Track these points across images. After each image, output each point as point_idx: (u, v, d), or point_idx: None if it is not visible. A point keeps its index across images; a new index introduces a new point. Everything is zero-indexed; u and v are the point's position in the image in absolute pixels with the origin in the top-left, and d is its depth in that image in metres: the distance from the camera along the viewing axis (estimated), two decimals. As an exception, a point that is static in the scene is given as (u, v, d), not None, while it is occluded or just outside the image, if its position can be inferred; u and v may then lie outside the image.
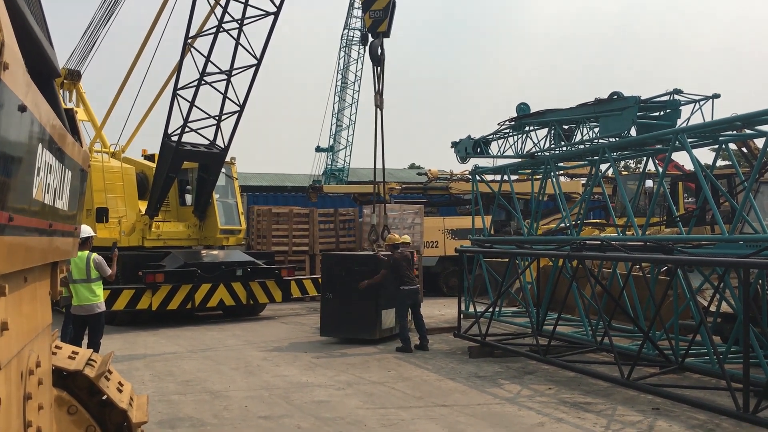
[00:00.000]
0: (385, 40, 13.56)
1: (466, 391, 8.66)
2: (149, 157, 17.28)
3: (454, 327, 12.54)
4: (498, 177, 16.00)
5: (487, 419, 7.33)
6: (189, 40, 14.09)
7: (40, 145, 2.04)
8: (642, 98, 10.40)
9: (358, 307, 12.05)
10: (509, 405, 7.93)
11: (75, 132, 3.04)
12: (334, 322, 12.34)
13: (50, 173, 2.26)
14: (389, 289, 11.92)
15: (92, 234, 9.96)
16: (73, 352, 3.55)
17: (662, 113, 10.74)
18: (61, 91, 17.23)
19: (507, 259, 12.75)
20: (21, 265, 2.04)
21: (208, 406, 7.92)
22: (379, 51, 13.40)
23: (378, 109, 13.52)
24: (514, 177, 14.90)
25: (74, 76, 17.37)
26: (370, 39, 13.66)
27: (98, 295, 9.71)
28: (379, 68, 13.46)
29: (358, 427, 7.03)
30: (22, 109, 1.75)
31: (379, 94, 13.45)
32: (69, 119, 2.99)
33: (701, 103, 10.18)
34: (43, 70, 2.57)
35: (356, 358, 10.92)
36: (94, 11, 17.50)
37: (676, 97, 10.50)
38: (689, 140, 9.16)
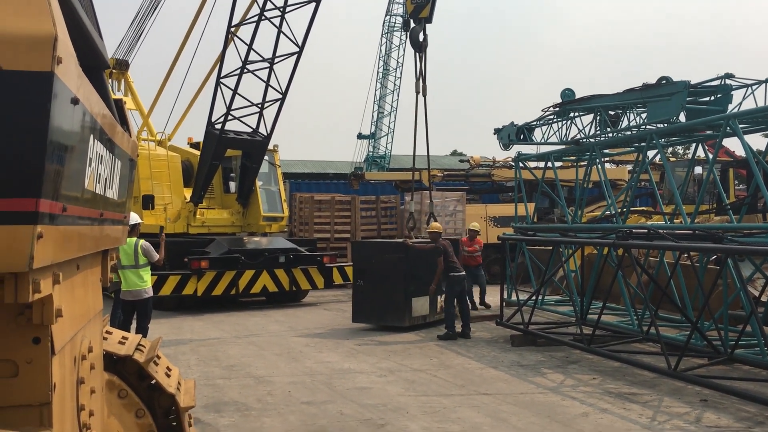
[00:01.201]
0: (427, 25, 13.47)
1: (509, 379, 8.62)
2: (195, 145, 17.54)
3: (496, 315, 12.47)
4: (541, 164, 15.81)
5: (530, 408, 7.29)
6: (232, 29, 14.22)
7: (91, 137, 2.08)
8: (692, 83, 10.14)
9: (389, 294, 12.10)
10: (552, 394, 7.86)
11: (124, 122, 3.09)
12: (365, 309, 12.42)
13: (101, 163, 2.30)
14: (421, 276, 11.93)
15: (140, 221, 10.15)
16: (123, 338, 3.63)
17: (713, 98, 10.46)
18: (110, 80, 17.59)
19: (550, 247, 12.61)
20: (75, 254, 2.08)
21: (252, 391, 8.04)
22: (422, 37, 13.31)
23: (420, 96, 13.45)
24: (558, 164, 14.69)
25: (122, 65, 17.70)
26: (412, 24, 13.58)
27: (146, 280, 9.91)
28: (420, 54, 13.38)
29: (400, 414, 7.07)
30: (75, 101, 1.78)
31: (422, 80, 13.37)
32: (118, 109, 3.04)
33: (754, 87, 9.91)
34: (93, 62, 2.61)
35: (397, 345, 10.96)
36: (141, 1, 17.73)
37: (728, 81, 10.23)
38: (741, 126, 8.90)
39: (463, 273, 11.98)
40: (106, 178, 2.44)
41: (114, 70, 17.32)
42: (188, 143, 18.06)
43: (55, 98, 1.58)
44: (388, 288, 12.06)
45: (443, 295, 12.00)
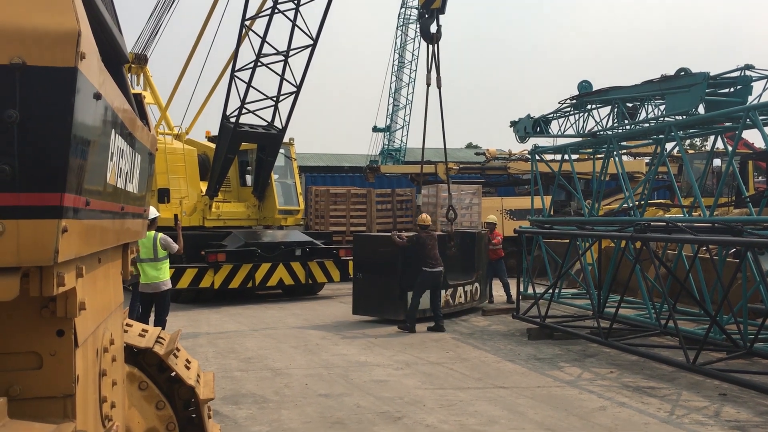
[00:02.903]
0: (441, 16, 13.39)
1: (526, 373, 8.60)
2: (213, 139, 17.60)
3: (512, 308, 12.45)
4: (558, 156, 15.72)
5: (547, 402, 7.27)
6: (246, 22, 14.24)
7: (113, 131, 2.09)
8: (711, 74, 10.03)
9: (385, 288, 12.15)
10: (570, 388, 7.84)
11: (143, 116, 3.11)
12: (363, 302, 12.45)
13: (122, 158, 2.32)
14: (416, 270, 11.98)
15: (158, 215, 10.24)
16: (143, 330, 3.67)
17: (732, 90, 10.34)
18: (129, 75, 17.69)
19: (567, 240, 12.55)
20: (97, 247, 2.10)
21: (270, 383, 8.09)
22: (434, 28, 13.25)
23: (431, 88, 13.36)
24: (574, 156, 14.60)
25: (141, 60, 17.79)
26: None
27: (165, 273, 10.00)
28: (433, 46, 13.31)
29: (417, 407, 7.08)
30: (98, 97, 1.79)
31: (435, 72, 13.31)
32: (137, 104, 3.06)
33: (774, 78, 9.76)
34: (113, 57, 2.63)
35: (414, 338, 10.97)
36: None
37: (748, 72, 10.10)
38: (761, 117, 8.80)
39: (439, 269, 11.79)
40: (126, 172, 2.46)
41: (133, 65, 17.42)
42: (206, 137, 18.14)
43: (78, 93, 1.59)
44: (384, 282, 12.13)
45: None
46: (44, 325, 1.87)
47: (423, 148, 14.05)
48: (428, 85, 13.43)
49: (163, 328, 8.39)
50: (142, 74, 17.96)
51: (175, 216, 11.75)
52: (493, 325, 12.01)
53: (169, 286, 10.18)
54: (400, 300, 12.04)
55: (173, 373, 3.62)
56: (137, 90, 16.31)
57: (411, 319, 11.51)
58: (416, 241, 11.82)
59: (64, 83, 1.56)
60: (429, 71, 13.36)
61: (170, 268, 10.63)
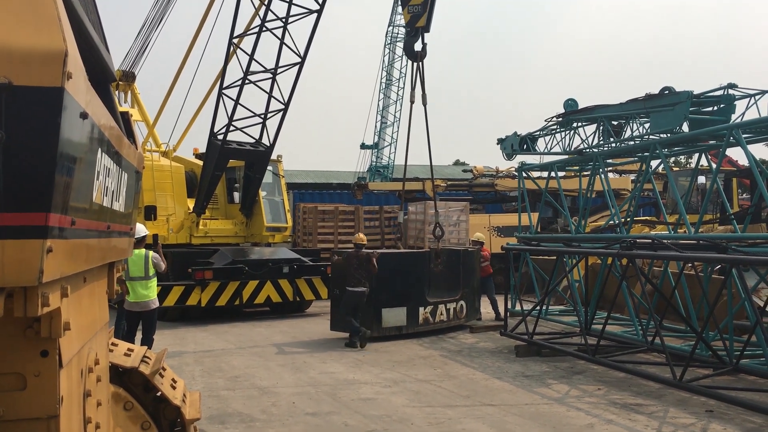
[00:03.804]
0: (428, 34, 13.52)
1: (514, 390, 8.59)
2: (201, 156, 17.57)
3: (500, 325, 12.44)
4: (545, 174, 15.82)
5: (535, 419, 7.26)
6: (234, 40, 14.28)
7: (99, 150, 2.09)
8: (695, 93, 10.15)
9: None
10: (558, 405, 7.83)
11: (130, 134, 3.11)
12: (341, 318, 12.38)
13: (108, 176, 2.32)
14: (394, 288, 12.09)
15: (146, 233, 10.20)
16: (129, 349, 3.64)
17: (716, 108, 10.47)
18: (117, 92, 17.68)
19: (554, 257, 12.59)
20: (82, 266, 2.09)
21: (257, 402, 8.02)
22: (419, 46, 13.39)
23: (413, 105, 13.54)
24: (561, 173, 14.70)
25: (129, 77, 17.77)
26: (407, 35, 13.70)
27: (153, 291, 9.98)
28: (417, 63, 13.44)
29: (405, 425, 7.04)
30: (84, 116, 1.79)
31: (420, 90, 13.43)
32: (124, 122, 3.06)
33: (757, 97, 9.91)
34: (100, 76, 2.64)
35: (402, 355, 10.93)
36: (147, 11, 17.82)
37: (731, 91, 10.24)
38: (744, 135, 8.90)
39: (361, 290, 11.87)
40: (113, 191, 2.45)
41: (121, 82, 17.39)
42: (194, 154, 18.10)
43: (64, 113, 1.59)
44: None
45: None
46: (28, 346, 1.85)
47: (405, 164, 14.15)
48: (412, 102, 13.57)
49: (150, 347, 8.34)
50: (129, 91, 17.93)
51: (155, 236, 11.72)
52: (481, 342, 12.00)
53: (157, 304, 10.14)
54: (374, 317, 12.05)
55: (159, 393, 3.59)
56: (125, 108, 16.28)
57: (354, 334, 11.65)
58: (345, 260, 11.94)
59: (51, 103, 1.56)
60: (413, 89, 13.50)
61: (157, 285, 10.58)
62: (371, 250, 12.71)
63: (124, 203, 2.77)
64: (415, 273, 12.83)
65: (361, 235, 12.85)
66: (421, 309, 12.57)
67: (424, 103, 13.47)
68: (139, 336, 9.92)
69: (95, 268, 2.55)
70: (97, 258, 2.38)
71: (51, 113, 1.56)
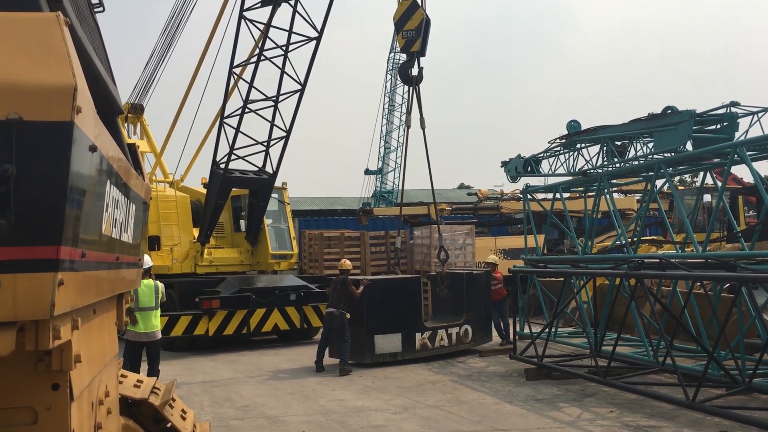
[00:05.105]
0: (422, 59, 13.68)
1: (525, 414, 8.51)
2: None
3: (509, 349, 12.36)
4: (549, 195, 15.81)
5: (547, 443, 7.18)
6: (235, 70, 14.42)
7: (108, 182, 2.11)
8: (698, 112, 10.18)
9: (352, 331, 12.10)
10: (570, 428, 7.75)
11: (137, 166, 3.14)
12: (337, 344, 12.32)
13: (117, 208, 2.33)
14: (388, 314, 12.13)
15: (152, 264, 10.26)
16: (138, 381, 3.63)
17: (719, 126, 10.49)
18: (126, 124, 17.85)
19: (562, 279, 12.53)
20: (93, 298, 2.10)
21: (266, 432, 7.97)
22: (415, 70, 13.54)
23: (409, 129, 13.67)
24: (566, 195, 14.69)
25: (137, 109, 17.95)
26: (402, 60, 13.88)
27: (159, 321, 10.04)
28: (413, 88, 13.60)
29: (416, 452, 6.97)
30: (93, 149, 1.81)
31: (418, 114, 13.55)
32: (131, 154, 3.09)
33: (759, 115, 9.92)
34: (108, 109, 2.66)
35: (411, 381, 10.86)
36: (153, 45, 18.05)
37: (734, 109, 10.27)
38: (748, 153, 8.91)
39: (330, 310, 12.08)
40: (121, 222, 2.47)
41: (129, 114, 17.57)
42: (202, 183, 18.17)
43: (74, 147, 1.61)
44: (351, 325, 12.09)
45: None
46: (39, 379, 1.85)
47: (401, 189, 14.25)
48: (408, 126, 13.67)
49: (158, 377, 8.31)
50: (139, 123, 18.09)
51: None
52: (491, 366, 11.91)
53: (161, 334, 10.21)
54: (366, 343, 12.04)
55: (169, 425, 3.57)
56: (133, 139, 16.42)
57: (318, 356, 11.97)
58: (331, 281, 12.21)
59: (61, 137, 1.58)
60: (408, 113, 13.61)
61: (163, 316, 10.66)
62: (360, 277, 12.87)
63: (132, 234, 2.79)
64: (409, 298, 12.75)
65: (346, 261, 12.98)
66: (418, 335, 12.49)
67: (423, 127, 13.56)
68: (143, 367, 9.91)
69: (105, 299, 2.56)
70: (106, 289, 2.39)
71: (61, 147, 1.58)
